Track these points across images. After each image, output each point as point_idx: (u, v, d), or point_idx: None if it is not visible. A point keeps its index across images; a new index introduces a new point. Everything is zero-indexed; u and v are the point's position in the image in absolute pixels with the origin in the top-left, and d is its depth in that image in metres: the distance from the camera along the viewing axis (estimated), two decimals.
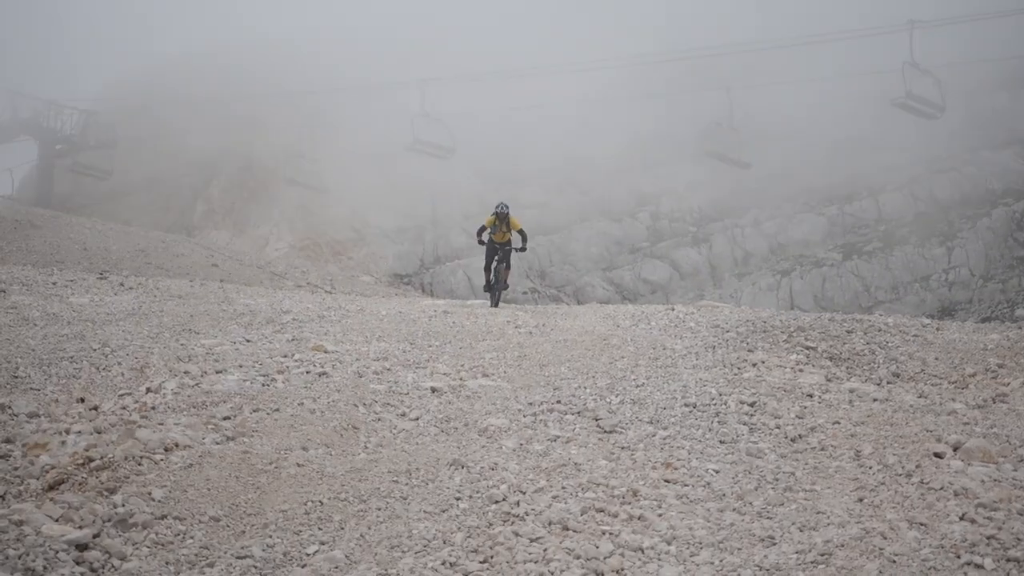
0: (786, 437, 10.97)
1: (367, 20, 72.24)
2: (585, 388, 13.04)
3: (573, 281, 56.68)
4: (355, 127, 55.91)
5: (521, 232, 26.13)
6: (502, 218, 25.79)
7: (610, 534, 7.96)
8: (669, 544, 7.83)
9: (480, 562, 7.37)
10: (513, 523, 8.12)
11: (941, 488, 9.32)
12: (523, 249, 26.66)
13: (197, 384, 12.81)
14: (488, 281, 26.89)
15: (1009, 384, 13.66)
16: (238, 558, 7.48)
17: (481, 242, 26.51)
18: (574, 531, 7.99)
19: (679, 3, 69.47)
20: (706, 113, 56.97)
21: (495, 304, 25.99)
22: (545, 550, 7.57)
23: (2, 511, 8.41)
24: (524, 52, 64.89)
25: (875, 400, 12.74)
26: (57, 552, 7.66)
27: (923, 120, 51.41)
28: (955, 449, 10.54)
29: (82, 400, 12.30)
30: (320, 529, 8.05)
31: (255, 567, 7.32)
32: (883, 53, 56.40)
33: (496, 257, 26.43)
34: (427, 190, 57.87)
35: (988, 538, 8.05)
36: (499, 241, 26.25)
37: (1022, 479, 9.59)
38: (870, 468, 9.93)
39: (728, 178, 59.55)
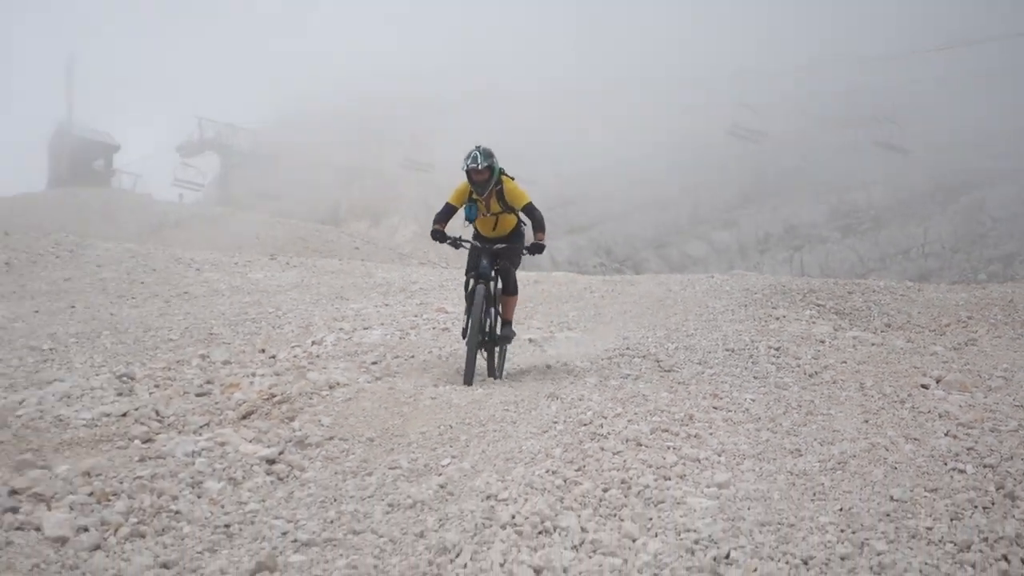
0: (805, 373, 10.92)
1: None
2: (647, 338, 13.05)
3: (632, 256, 57.13)
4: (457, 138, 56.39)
5: (531, 210, 11.00)
6: (482, 183, 10.89)
7: (674, 448, 7.96)
8: (720, 456, 7.83)
9: (575, 470, 7.39)
10: (599, 440, 8.13)
11: (928, 412, 9.26)
12: (539, 248, 10.98)
13: (350, 338, 12.98)
14: (472, 323, 10.73)
15: (977, 331, 13.59)
16: (390, 468, 7.56)
17: (441, 236, 11.02)
18: (646, 446, 7.99)
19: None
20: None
21: (497, 372, 11.41)
22: (625, 460, 7.58)
23: (209, 435, 8.54)
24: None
25: (873, 344, 12.67)
26: (252, 465, 7.78)
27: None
28: (938, 382, 10.50)
29: (263, 351, 12.48)
30: (451, 446, 8.11)
31: (403, 475, 7.39)
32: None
33: (484, 266, 11.05)
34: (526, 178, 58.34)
35: (968, 449, 7.99)
36: (489, 236, 11.35)
37: (992, 404, 9.53)
38: (872, 397, 9.87)
39: (747, 173, 59.95)
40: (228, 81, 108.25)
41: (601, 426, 8.58)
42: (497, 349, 11.46)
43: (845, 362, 11.52)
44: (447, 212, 11.12)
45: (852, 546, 6.04)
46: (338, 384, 10.32)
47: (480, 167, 10.77)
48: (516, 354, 12.10)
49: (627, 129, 60.69)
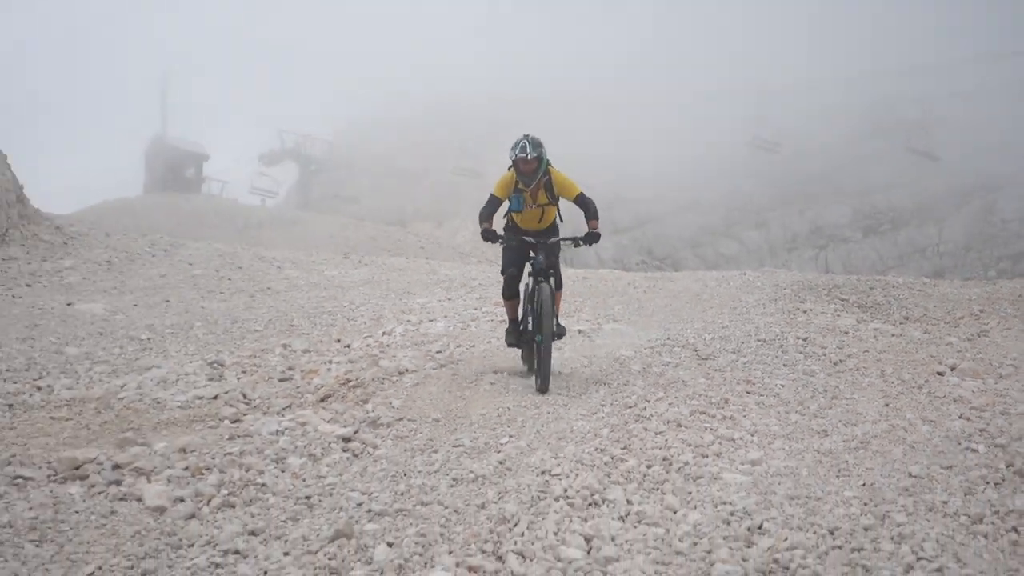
0: (830, 361, 10.88)
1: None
2: (686, 329, 13.02)
3: (671, 255, 57.16)
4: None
5: (583, 201, 9.70)
6: (530, 173, 9.62)
7: (710, 429, 7.99)
8: (752, 436, 7.85)
9: (621, 449, 7.45)
10: (642, 422, 8.18)
11: (944, 396, 9.26)
12: (595, 237, 9.67)
13: (416, 329, 13.06)
14: (515, 320, 10.29)
15: (988, 324, 13.49)
16: (454, 446, 7.64)
17: (492, 235, 9.68)
18: (685, 427, 8.03)
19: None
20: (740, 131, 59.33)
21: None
22: (666, 440, 7.63)
23: (291, 416, 8.70)
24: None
25: (893, 335, 12.60)
26: (330, 443, 7.91)
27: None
28: (952, 369, 10.53)
29: (339, 340, 12.60)
30: (508, 426, 8.18)
31: (466, 452, 7.48)
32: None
33: (533, 262, 9.88)
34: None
35: (980, 431, 7.98)
36: (532, 229, 10.04)
37: (1002, 389, 9.55)
38: (892, 383, 9.86)
39: (776, 178, 60.01)
40: (302, 94, 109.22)
41: (644, 409, 8.63)
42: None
43: (867, 351, 11.47)
44: (493, 205, 9.76)
45: (874, 518, 6.06)
46: (407, 371, 10.42)
47: (529, 157, 9.50)
48: (567, 344, 12.12)
49: (665, 138, 60.64)
